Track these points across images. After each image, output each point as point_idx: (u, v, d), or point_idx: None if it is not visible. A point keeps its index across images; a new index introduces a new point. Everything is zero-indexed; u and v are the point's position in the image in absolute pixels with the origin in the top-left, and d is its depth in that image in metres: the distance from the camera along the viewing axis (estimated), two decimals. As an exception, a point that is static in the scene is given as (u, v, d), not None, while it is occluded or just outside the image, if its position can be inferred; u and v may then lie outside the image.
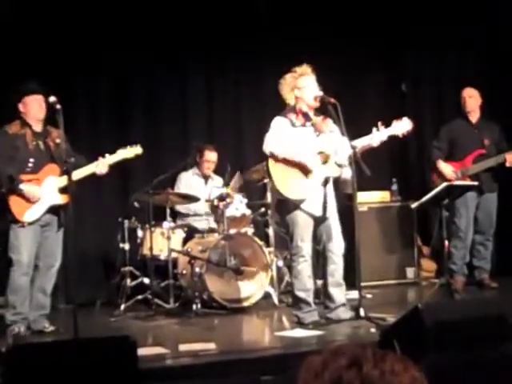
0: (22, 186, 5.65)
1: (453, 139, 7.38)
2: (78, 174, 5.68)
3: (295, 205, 5.64)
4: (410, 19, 8.47)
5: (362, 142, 5.67)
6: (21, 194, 5.66)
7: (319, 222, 5.72)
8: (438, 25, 8.44)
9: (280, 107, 5.90)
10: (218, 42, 8.02)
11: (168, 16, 7.79)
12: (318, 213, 5.67)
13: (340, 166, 5.77)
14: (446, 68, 8.80)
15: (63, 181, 5.66)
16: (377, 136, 5.67)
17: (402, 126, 5.75)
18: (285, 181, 5.65)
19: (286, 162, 5.63)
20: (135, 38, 7.70)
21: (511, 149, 7.22)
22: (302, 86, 5.73)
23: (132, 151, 6.12)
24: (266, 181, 7.07)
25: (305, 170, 5.64)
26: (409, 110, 8.68)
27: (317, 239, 5.76)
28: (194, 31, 7.87)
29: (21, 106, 5.82)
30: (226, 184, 7.17)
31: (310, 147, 5.67)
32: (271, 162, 5.69)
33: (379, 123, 5.70)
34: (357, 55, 8.43)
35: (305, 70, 5.77)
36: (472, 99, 7.35)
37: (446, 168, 7.25)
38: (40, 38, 7.25)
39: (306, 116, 5.76)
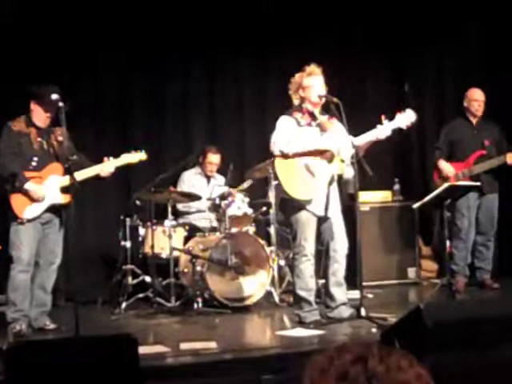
0: (27, 186, 5.64)
1: (453, 140, 7.36)
2: (81, 175, 5.68)
3: (300, 204, 5.64)
4: (411, 19, 8.46)
5: (367, 137, 5.65)
6: (25, 192, 5.65)
7: (322, 221, 5.72)
8: (437, 25, 8.43)
9: (282, 106, 5.89)
10: (220, 42, 8.00)
11: (169, 16, 7.77)
12: (321, 212, 5.66)
13: (343, 162, 5.75)
14: (447, 68, 8.78)
15: (65, 180, 5.67)
16: (381, 130, 5.63)
17: (406, 118, 5.70)
18: (291, 181, 5.65)
19: (294, 160, 5.61)
20: (137, 39, 7.69)
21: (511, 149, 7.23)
22: (307, 85, 5.72)
23: (136, 156, 6.13)
24: (270, 172, 6.99)
25: (315, 167, 5.63)
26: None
27: (320, 239, 5.77)
28: (196, 30, 7.86)
29: (32, 105, 5.80)
30: (228, 183, 7.17)
31: (314, 147, 5.67)
32: (278, 162, 5.68)
33: (382, 117, 5.66)
34: (358, 56, 8.42)
35: (313, 69, 5.74)
36: (483, 103, 7.31)
37: (446, 167, 7.24)
38: (43, 39, 7.23)
39: (311, 115, 5.76)
